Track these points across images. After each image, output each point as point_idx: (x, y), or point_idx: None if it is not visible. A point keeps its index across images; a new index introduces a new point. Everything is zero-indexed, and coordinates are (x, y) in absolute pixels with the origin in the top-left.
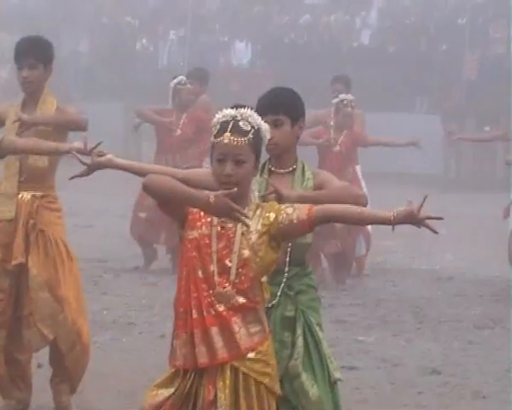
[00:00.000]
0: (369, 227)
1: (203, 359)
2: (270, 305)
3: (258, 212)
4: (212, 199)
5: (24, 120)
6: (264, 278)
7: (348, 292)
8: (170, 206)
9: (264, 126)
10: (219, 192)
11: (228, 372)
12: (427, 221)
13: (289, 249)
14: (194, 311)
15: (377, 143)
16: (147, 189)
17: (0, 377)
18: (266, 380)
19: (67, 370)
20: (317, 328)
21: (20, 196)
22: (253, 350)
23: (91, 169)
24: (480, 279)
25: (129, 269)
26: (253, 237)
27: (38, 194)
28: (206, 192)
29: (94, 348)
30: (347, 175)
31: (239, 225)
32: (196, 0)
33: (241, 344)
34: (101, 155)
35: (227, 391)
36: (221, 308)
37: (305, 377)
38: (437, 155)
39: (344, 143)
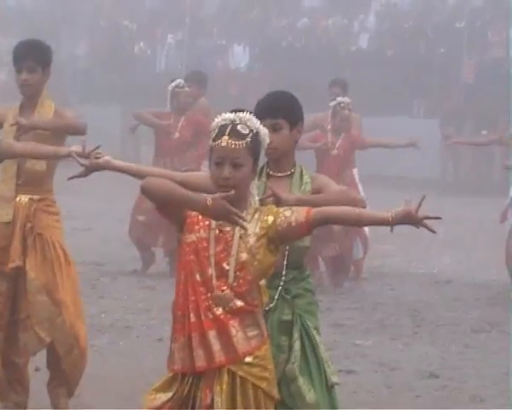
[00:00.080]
0: (367, 230)
1: (201, 362)
2: (267, 308)
3: (256, 215)
4: (209, 202)
5: (22, 123)
6: (262, 282)
7: (346, 296)
8: (168, 209)
9: (263, 130)
10: (217, 195)
11: (225, 377)
12: (426, 221)
13: (287, 253)
14: (192, 314)
15: (375, 144)
16: (145, 191)
17: None
18: (264, 384)
19: (65, 373)
20: (315, 332)
21: (17, 199)
22: (250, 354)
23: (89, 170)
24: (478, 283)
25: (126, 272)
26: (251, 240)
27: (36, 197)
28: (205, 195)
29: (91, 351)
30: (345, 178)
31: (237, 228)
32: (194, 3)
33: (239, 348)
34: (98, 157)
35: (224, 396)
36: (219, 312)
37: (302, 382)
38: (435, 158)
39: (342, 146)
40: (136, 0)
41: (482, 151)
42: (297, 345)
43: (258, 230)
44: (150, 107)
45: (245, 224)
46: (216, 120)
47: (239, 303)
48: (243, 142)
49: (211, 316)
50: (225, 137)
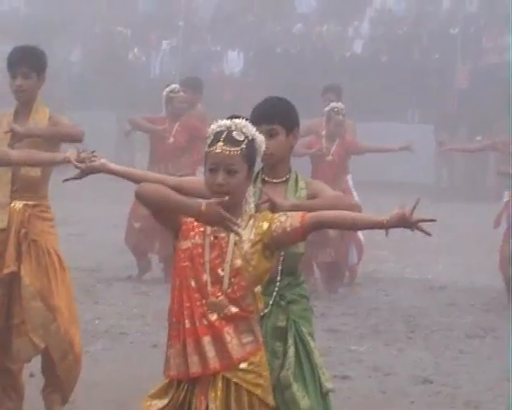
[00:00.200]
0: (361, 236)
1: (195, 369)
2: (262, 314)
3: (251, 222)
4: (203, 207)
5: (17, 131)
6: (258, 288)
7: (340, 301)
8: (163, 215)
9: (259, 137)
10: (211, 200)
11: (220, 383)
12: (420, 224)
13: (282, 259)
14: (186, 321)
15: (370, 149)
16: (139, 197)
17: None
18: (258, 391)
19: (59, 379)
20: (309, 338)
21: (12, 204)
22: (245, 361)
23: (84, 173)
24: (472, 288)
25: (121, 278)
26: (246, 246)
27: (31, 203)
28: (199, 200)
29: (86, 357)
30: (341, 184)
31: (232, 234)
32: (189, 9)
33: (233, 354)
34: (94, 161)
35: (218, 402)
36: (213, 318)
37: (296, 388)
38: (429, 164)
39: (336, 152)
40: (131, 6)
41: (476, 157)
42: (291, 351)
43: (252, 236)
44: (145, 113)
45: (239, 230)
46: (212, 126)
47: (234, 309)
48: (238, 148)
49: (205, 322)
50: (220, 144)
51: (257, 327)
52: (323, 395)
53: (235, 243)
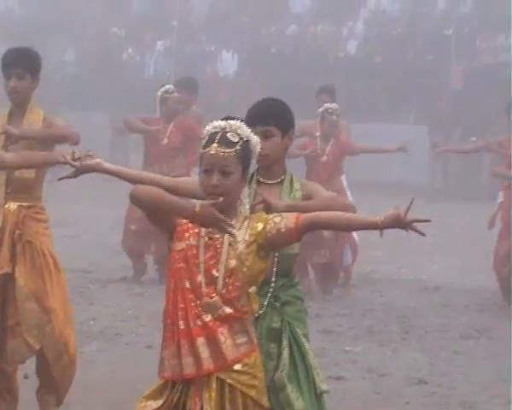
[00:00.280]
0: (356, 237)
1: (189, 370)
2: (256, 315)
3: (246, 223)
4: (197, 209)
5: (11, 132)
6: (252, 289)
7: (335, 302)
8: (158, 216)
9: (254, 139)
10: (206, 202)
11: (214, 384)
12: (415, 224)
13: (276, 260)
14: (181, 322)
15: (365, 150)
16: (133, 199)
17: None
18: (253, 393)
19: (54, 381)
20: (304, 339)
21: (6, 206)
22: (239, 362)
23: (79, 171)
24: (467, 289)
25: (116, 279)
26: (241, 246)
27: (25, 204)
28: (193, 202)
29: (80, 358)
30: (335, 184)
31: (226, 235)
32: (183, 10)
33: (228, 355)
34: (89, 159)
35: (213, 403)
36: (208, 319)
37: (291, 390)
38: (423, 165)
39: (331, 152)
40: (125, 6)
41: (470, 158)
42: (286, 353)
43: (247, 237)
44: (139, 113)
45: (233, 231)
46: (207, 127)
47: (228, 310)
48: (232, 150)
49: (200, 323)
50: (214, 145)
51: (251, 328)
52: (318, 396)
53: (230, 244)
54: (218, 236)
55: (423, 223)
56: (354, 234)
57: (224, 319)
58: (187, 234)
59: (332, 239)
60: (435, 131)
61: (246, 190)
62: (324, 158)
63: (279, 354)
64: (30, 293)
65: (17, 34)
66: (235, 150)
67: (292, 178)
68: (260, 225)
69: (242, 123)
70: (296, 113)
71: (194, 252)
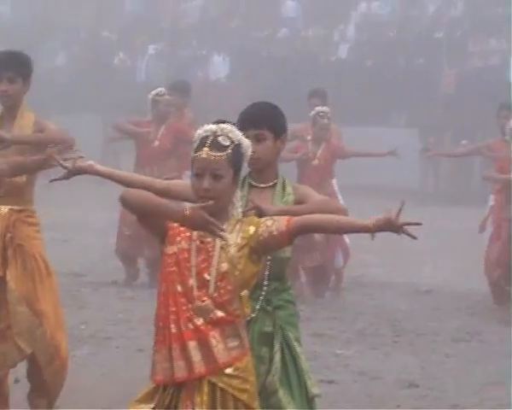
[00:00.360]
0: (347, 240)
1: (181, 373)
2: (248, 318)
3: (237, 226)
4: (187, 212)
5: (4, 137)
6: (244, 292)
7: (326, 306)
8: (149, 220)
9: (246, 142)
10: (196, 205)
11: (205, 388)
12: (406, 228)
13: (269, 264)
14: (172, 325)
15: (356, 154)
16: (124, 202)
17: None
18: (244, 396)
19: (45, 384)
20: (296, 343)
21: None
22: (231, 366)
23: (71, 173)
24: (458, 292)
25: (106, 283)
26: (232, 250)
27: (16, 208)
28: (183, 205)
29: (71, 362)
30: (327, 188)
31: (218, 238)
32: (174, 14)
33: (219, 358)
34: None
35: (204, 407)
36: (199, 322)
37: (282, 394)
38: (414, 168)
39: (322, 156)
40: (116, 10)
41: (461, 161)
42: (277, 357)
43: (239, 240)
44: (131, 117)
45: (223, 234)
46: (198, 131)
47: (220, 314)
48: (223, 153)
49: (191, 327)
50: (206, 149)
51: (243, 332)
52: (309, 400)
53: (222, 247)
54: (209, 239)
55: (414, 226)
56: (346, 237)
57: (216, 323)
58: (178, 238)
59: (323, 242)
60: (426, 134)
61: (238, 194)
62: (316, 162)
63: (271, 358)
64: (21, 296)
65: (8, 38)
66: (227, 154)
67: (284, 182)
68: (252, 229)
69: (234, 127)
70: (287, 116)
71: (186, 256)
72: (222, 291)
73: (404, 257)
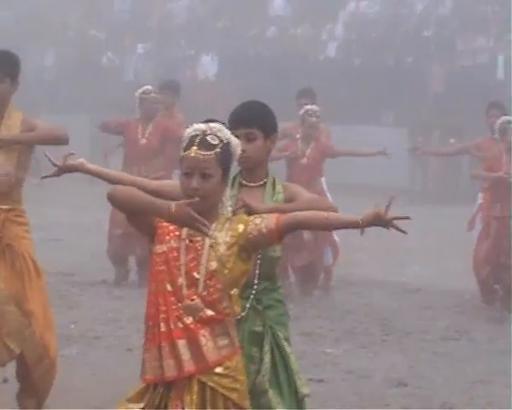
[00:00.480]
0: (337, 237)
1: (170, 372)
2: (238, 317)
3: (227, 225)
4: (173, 208)
5: (4, 138)
6: (234, 291)
7: (315, 304)
8: (138, 219)
9: (235, 141)
10: (182, 201)
11: (195, 387)
12: (395, 222)
13: (259, 263)
14: (162, 324)
15: (346, 153)
16: (111, 199)
17: None
18: (234, 396)
19: (35, 384)
20: (285, 343)
21: None
22: (220, 364)
23: (62, 171)
24: (446, 291)
25: (95, 283)
26: (222, 248)
27: (5, 207)
28: (169, 202)
29: (61, 361)
30: (316, 186)
31: (207, 237)
32: (162, 14)
33: (209, 357)
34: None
35: (194, 406)
36: (189, 321)
37: (272, 394)
38: (403, 167)
39: (312, 155)
40: (104, 10)
41: (450, 160)
42: (267, 358)
43: (228, 238)
44: (119, 116)
45: (209, 231)
46: (187, 130)
47: (209, 312)
48: (212, 152)
49: (181, 325)
50: (194, 148)
51: (233, 331)
52: (299, 400)
53: (211, 246)
54: (198, 238)
55: (404, 221)
56: (335, 235)
57: (206, 322)
58: (167, 237)
59: (312, 241)
60: (415, 133)
61: (228, 192)
62: (305, 160)
63: (261, 358)
64: (10, 296)
65: None
66: (215, 153)
67: (274, 181)
68: (241, 227)
69: (223, 126)
70: (276, 115)
71: (175, 254)
72: (211, 290)
73: (393, 256)
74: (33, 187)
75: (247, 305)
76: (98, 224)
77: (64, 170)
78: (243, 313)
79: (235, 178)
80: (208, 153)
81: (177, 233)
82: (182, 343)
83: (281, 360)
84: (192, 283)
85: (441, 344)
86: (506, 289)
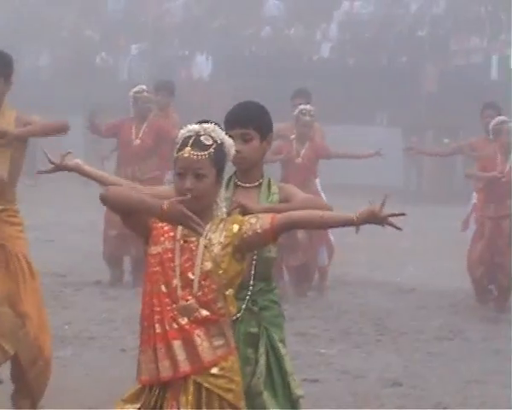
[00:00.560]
0: (332, 237)
1: (166, 373)
2: (234, 318)
3: (221, 225)
4: (165, 206)
5: (8, 132)
6: (229, 291)
7: (310, 305)
8: (132, 220)
9: (228, 141)
10: (173, 199)
11: (191, 388)
12: (390, 219)
13: (254, 263)
14: (157, 325)
15: (342, 155)
16: (103, 200)
17: None
18: (229, 396)
19: (29, 385)
20: (280, 345)
21: None
22: (216, 365)
23: (57, 168)
24: (441, 291)
25: (89, 283)
26: (216, 249)
27: None
28: (161, 200)
29: (55, 363)
30: (311, 187)
31: (202, 237)
32: (157, 13)
33: (204, 357)
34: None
35: (189, 407)
36: (184, 321)
37: (266, 396)
38: (397, 167)
39: (306, 155)
40: (99, 10)
41: (444, 160)
42: (262, 360)
43: (223, 239)
44: (114, 117)
45: (201, 229)
46: (181, 131)
47: (204, 313)
48: (205, 153)
49: (176, 326)
50: (188, 149)
51: (229, 331)
52: (293, 402)
53: (206, 246)
54: (193, 239)
55: (397, 225)
56: (330, 235)
57: (201, 322)
58: (162, 238)
59: (306, 241)
60: (409, 133)
61: (222, 193)
62: (299, 160)
63: (256, 360)
64: (3, 297)
65: None
66: (209, 153)
67: (269, 182)
68: (236, 227)
69: (217, 126)
70: (271, 115)
71: (170, 255)
72: (206, 290)
73: (388, 256)
74: (27, 187)
75: (243, 306)
76: (92, 225)
77: (60, 168)
78: (238, 314)
79: (230, 179)
80: (202, 153)
81: (172, 234)
82: (177, 344)
83: (275, 362)
84: (187, 283)
85: (435, 344)
86: (501, 290)
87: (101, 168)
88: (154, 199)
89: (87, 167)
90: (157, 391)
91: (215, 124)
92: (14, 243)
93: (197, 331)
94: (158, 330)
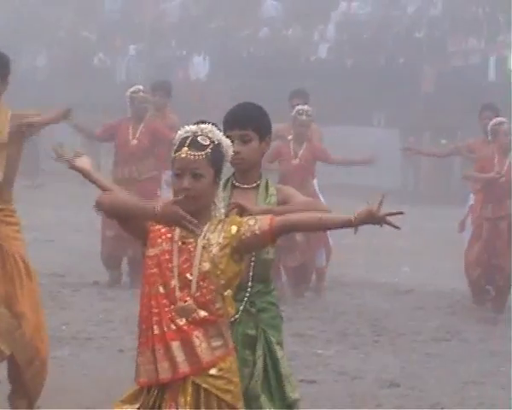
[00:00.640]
0: (330, 239)
1: (165, 374)
2: (232, 319)
3: (219, 226)
4: (158, 208)
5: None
6: (228, 292)
7: (307, 306)
8: (130, 224)
9: (226, 142)
10: (168, 200)
11: (189, 389)
12: (388, 219)
13: (252, 265)
14: (155, 327)
15: (341, 162)
16: (99, 206)
17: None
18: (228, 397)
19: (26, 385)
20: (277, 347)
21: None
22: (214, 365)
23: (70, 166)
24: (438, 292)
25: (87, 284)
26: (214, 249)
27: None
28: (154, 202)
29: (52, 363)
30: (309, 188)
31: (200, 238)
32: (155, 14)
33: (203, 358)
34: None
35: (188, 408)
36: (182, 322)
37: (264, 400)
38: (395, 168)
39: (304, 156)
40: (96, 10)
41: (441, 161)
42: (260, 363)
43: (221, 240)
44: (111, 117)
45: (196, 229)
46: (179, 132)
47: (202, 314)
48: (203, 153)
49: (174, 327)
50: (185, 149)
51: (227, 332)
52: (290, 404)
53: (204, 247)
54: (191, 240)
55: (395, 224)
56: (329, 236)
57: (199, 323)
58: (159, 240)
59: (304, 242)
60: (406, 133)
61: (220, 194)
62: (297, 161)
63: (254, 362)
64: None
65: None
66: (206, 153)
67: (267, 183)
68: (234, 228)
69: (214, 127)
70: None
71: (168, 257)
72: (204, 291)
73: (385, 257)
74: (27, 188)
75: (241, 308)
76: (90, 225)
77: (70, 167)
78: (236, 316)
79: (227, 180)
80: (199, 153)
81: (170, 236)
82: (176, 345)
83: (272, 365)
84: (185, 284)
85: (433, 345)
86: (498, 291)
87: (96, 168)
88: (147, 201)
89: (97, 177)
90: (155, 392)
91: (213, 124)
92: (11, 244)
93: (196, 332)
94: (156, 332)
